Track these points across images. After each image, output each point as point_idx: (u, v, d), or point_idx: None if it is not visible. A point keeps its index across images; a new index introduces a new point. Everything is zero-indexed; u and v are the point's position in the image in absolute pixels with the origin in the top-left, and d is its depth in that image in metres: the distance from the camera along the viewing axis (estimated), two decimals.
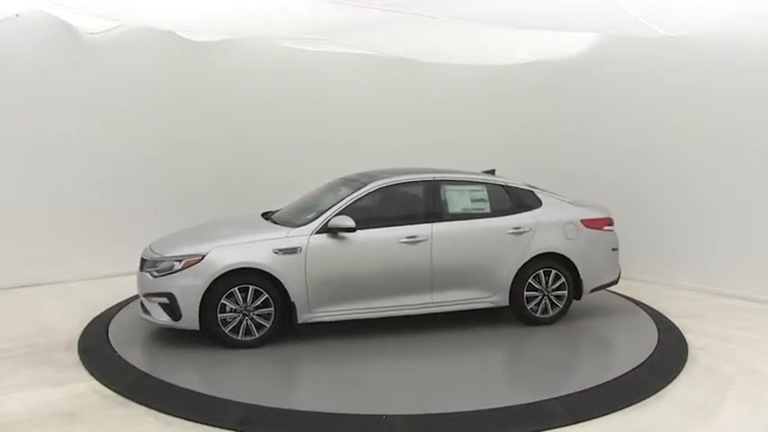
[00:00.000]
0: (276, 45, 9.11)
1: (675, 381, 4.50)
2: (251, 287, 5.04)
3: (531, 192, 5.94)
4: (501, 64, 9.29)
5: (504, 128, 9.38)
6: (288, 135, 9.25)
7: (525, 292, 5.68)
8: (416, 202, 5.65)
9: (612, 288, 7.15)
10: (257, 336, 5.09)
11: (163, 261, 5.20)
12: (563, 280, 5.77)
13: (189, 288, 4.98)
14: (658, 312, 6.23)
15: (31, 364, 4.75)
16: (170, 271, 5.10)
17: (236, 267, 5.00)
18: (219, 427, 3.72)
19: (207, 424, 3.75)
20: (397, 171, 5.88)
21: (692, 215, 7.40)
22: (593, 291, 5.95)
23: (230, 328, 5.04)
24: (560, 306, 5.80)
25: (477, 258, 5.58)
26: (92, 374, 4.54)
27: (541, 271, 5.71)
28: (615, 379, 4.46)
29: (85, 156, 7.76)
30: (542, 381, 4.48)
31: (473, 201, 5.82)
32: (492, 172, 6.19)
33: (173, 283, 5.05)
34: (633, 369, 4.65)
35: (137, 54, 8.11)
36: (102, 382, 4.37)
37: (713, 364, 4.87)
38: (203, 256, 5.03)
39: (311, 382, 4.45)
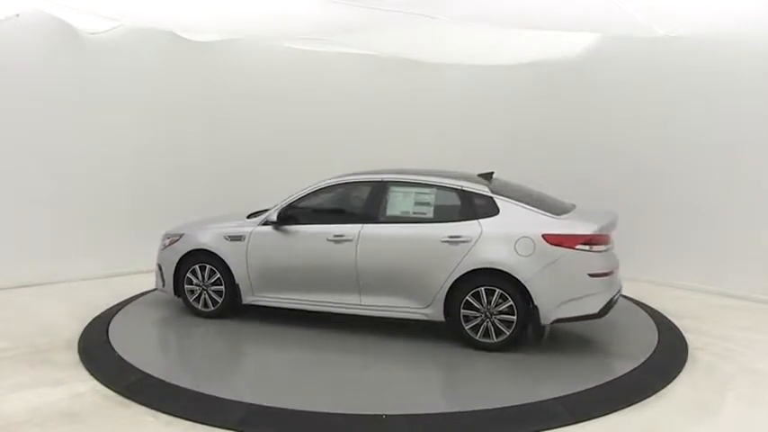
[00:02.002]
0: (276, 45, 9.12)
1: (675, 381, 4.49)
2: (207, 266, 5.88)
3: (490, 198, 5.16)
4: (501, 64, 9.29)
5: (504, 128, 9.38)
6: (288, 135, 9.26)
7: (462, 310, 5.04)
8: (358, 202, 5.65)
9: None
10: (212, 308, 5.93)
11: (165, 238, 6.24)
12: (511, 303, 4.92)
13: (168, 261, 6.08)
14: (658, 312, 6.23)
15: (31, 364, 4.75)
16: (163, 246, 6.20)
17: (195, 248, 5.94)
18: (219, 427, 3.72)
19: (207, 424, 3.75)
20: (379, 171, 5.76)
21: (692, 215, 7.40)
22: (559, 322, 4.95)
23: (193, 298, 5.99)
24: (507, 333, 4.97)
25: (404, 265, 5.18)
26: (92, 374, 4.54)
27: (483, 289, 4.97)
28: (615, 379, 4.47)
29: (85, 155, 7.77)
30: (542, 381, 4.48)
31: (417, 204, 5.39)
32: (489, 175, 5.67)
33: (162, 256, 6.20)
34: (633, 369, 4.65)
35: (137, 54, 8.12)
36: (102, 382, 4.37)
37: (713, 364, 4.87)
38: (180, 237, 6.05)
39: (311, 382, 4.45)
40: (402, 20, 6.83)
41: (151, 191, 8.25)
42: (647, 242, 7.79)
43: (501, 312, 4.94)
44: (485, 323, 4.99)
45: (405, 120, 9.84)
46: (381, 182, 5.54)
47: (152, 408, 3.96)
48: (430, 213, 5.32)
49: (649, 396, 4.19)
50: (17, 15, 7.08)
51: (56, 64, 7.54)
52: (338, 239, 5.40)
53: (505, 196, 5.19)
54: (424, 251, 5.13)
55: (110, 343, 5.16)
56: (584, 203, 8.44)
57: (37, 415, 3.86)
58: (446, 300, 5.08)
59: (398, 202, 5.43)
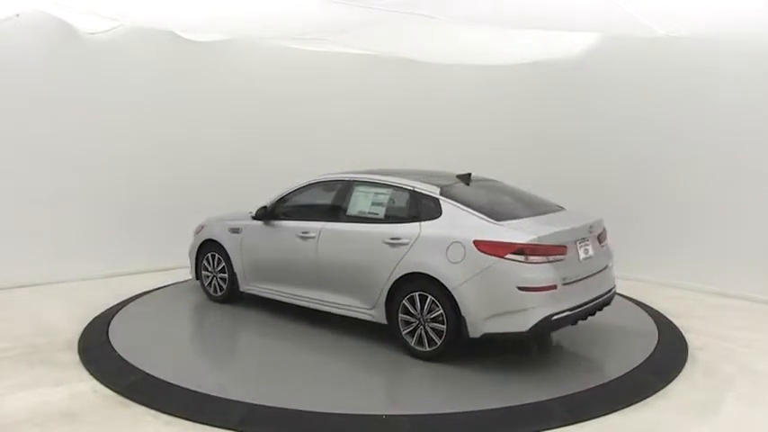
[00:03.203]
0: (276, 45, 9.11)
1: (675, 381, 4.50)
2: (216, 255, 6.48)
3: (436, 200, 4.95)
4: (501, 64, 9.29)
5: (504, 128, 9.38)
6: (288, 135, 9.26)
7: (400, 314, 4.90)
8: (327, 200, 5.76)
9: None
10: (219, 294, 6.52)
11: (197, 228, 6.87)
12: (441, 311, 4.68)
13: (192, 249, 6.81)
14: (658, 312, 6.23)
15: (31, 364, 4.75)
16: (194, 236, 6.85)
17: (208, 238, 6.58)
18: (219, 427, 3.72)
19: (207, 424, 3.75)
20: (354, 171, 5.79)
21: (692, 215, 7.40)
22: (488, 336, 4.54)
23: (207, 283, 6.65)
24: (438, 343, 4.72)
25: (352, 264, 5.22)
26: (92, 374, 4.54)
27: (417, 294, 4.79)
28: (615, 379, 4.47)
29: (85, 155, 7.76)
30: (542, 381, 4.48)
31: (373, 204, 5.36)
32: (468, 176, 5.47)
33: (191, 245, 6.86)
34: (633, 369, 4.65)
35: (137, 54, 8.11)
36: (102, 382, 4.37)
37: (713, 364, 4.87)
38: (202, 228, 6.73)
39: (312, 382, 4.45)
40: (402, 20, 6.83)
41: (151, 191, 8.24)
42: (647, 242, 7.80)
43: (434, 320, 4.71)
44: (419, 330, 4.81)
45: (405, 119, 9.84)
46: (347, 181, 5.62)
47: (152, 408, 3.96)
48: (382, 214, 5.26)
49: (649, 396, 4.19)
50: (17, 15, 7.08)
51: (56, 64, 7.54)
52: (304, 236, 5.60)
53: (453, 198, 4.94)
54: (369, 251, 5.09)
55: (110, 343, 5.16)
56: (583, 203, 8.46)
57: (37, 415, 3.86)
58: (387, 302, 5.00)
59: (358, 201, 5.45)
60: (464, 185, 5.34)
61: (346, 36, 8.37)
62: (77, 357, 4.90)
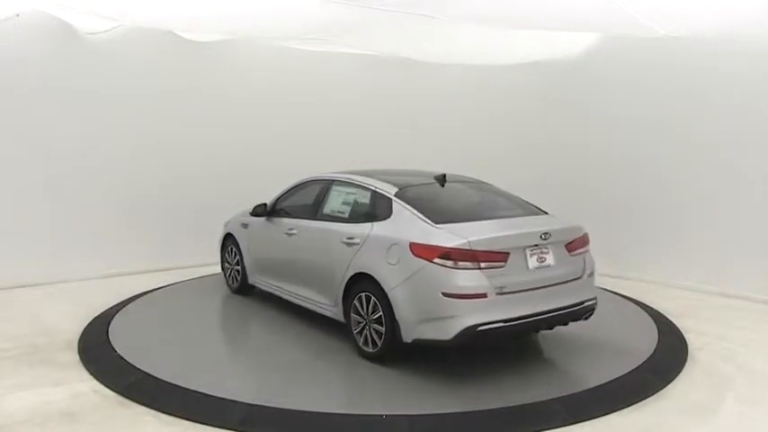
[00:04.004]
0: (276, 45, 9.11)
1: (675, 381, 4.49)
2: (233, 249, 6.85)
3: (390, 200, 4.90)
4: (501, 64, 9.29)
5: (504, 128, 9.38)
6: (288, 135, 9.25)
7: (352, 314, 4.91)
8: (312, 199, 5.86)
9: (612, 288, 7.19)
10: (235, 285, 6.88)
11: None
12: (380, 313, 4.60)
13: (219, 242, 7.20)
14: (658, 312, 6.23)
15: (31, 364, 4.75)
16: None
17: (227, 232, 7.02)
18: (219, 427, 3.72)
19: (207, 424, 3.75)
20: (343, 172, 5.83)
21: (692, 215, 7.40)
22: (419, 342, 4.41)
23: (227, 275, 7.07)
24: (378, 344, 4.66)
25: (318, 261, 5.35)
26: (92, 374, 4.54)
27: (364, 294, 4.77)
28: (615, 379, 4.46)
29: (85, 155, 7.77)
30: (542, 381, 4.48)
31: (342, 204, 5.44)
32: (443, 177, 5.26)
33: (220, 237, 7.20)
34: (633, 369, 4.64)
35: (137, 54, 8.11)
36: (102, 382, 4.37)
37: (713, 364, 4.87)
38: (227, 223, 7.09)
39: (312, 382, 4.45)
40: (402, 20, 6.83)
41: (151, 191, 8.24)
42: (647, 242, 7.80)
43: (376, 322, 4.65)
44: (365, 331, 4.79)
45: (405, 119, 9.84)
46: (328, 181, 5.73)
47: (152, 408, 3.96)
48: (347, 213, 5.31)
49: (649, 396, 4.19)
50: (17, 15, 7.08)
51: (56, 64, 7.53)
52: (289, 233, 5.82)
53: (405, 199, 4.85)
54: (331, 250, 5.15)
55: (110, 343, 5.16)
56: (583, 203, 8.49)
57: (37, 415, 3.86)
58: (344, 301, 5.03)
59: (332, 201, 5.55)
60: (428, 186, 5.23)
61: (346, 36, 8.38)
62: (77, 357, 4.90)
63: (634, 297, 6.79)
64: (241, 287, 6.76)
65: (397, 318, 4.47)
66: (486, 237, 4.36)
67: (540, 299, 4.47)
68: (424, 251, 4.35)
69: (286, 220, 5.96)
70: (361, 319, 4.81)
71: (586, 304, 4.79)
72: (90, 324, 5.71)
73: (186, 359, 4.92)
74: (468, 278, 4.22)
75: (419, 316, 4.37)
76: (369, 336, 4.76)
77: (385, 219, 4.85)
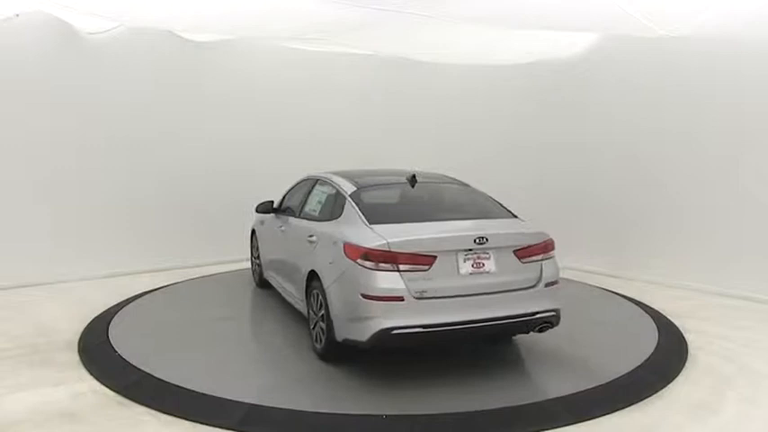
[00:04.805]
0: (276, 45, 9.11)
1: (675, 381, 4.49)
2: (257, 244, 7.19)
3: (344, 199, 4.93)
4: (501, 64, 9.29)
5: (504, 127, 9.38)
6: (288, 135, 9.25)
7: (309, 310, 4.98)
8: (300, 197, 6.02)
9: (612, 288, 7.20)
10: (257, 279, 7.23)
11: None
12: (323, 311, 4.62)
13: (249, 239, 7.49)
14: (658, 312, 6.23)
15: (31, 364, 4.75)
16: None
17: (252, 228, 7.35)
18: (219, 427, 3.71)
19: (207, 424, 3.74)
20: (335, 172, 5.88)
21: (692, 215, 7.40)
22: (347, 342, 4.38)
23: (252, 269, 7.45)
24: (323, 342, 4.67)
25: (293, 258, 5.53)
26: (92, 374, 4.54)
27: (315, 291, 4.80)
28: (615, 379, 4.46)
29: (85, 155, 7.76)
30: (542, 381, 4.48)
31: (316, 202, 5.54)
32: (413, 177, 5.15)
33: None
34: (633, 369, 4.64)
35: (136, 54, 8.11)
36: (102, 383, 4.37)
37: (713, 364, 4.86)
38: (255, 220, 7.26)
39: (311, 382, 4.45)
40: (402, 20, 6.83)
41: (151, 191, 8.24)
42: (647, 242, 7.80)
43: (322, 319, 4.66)
44: (316, 328, 4.81)
45: (405, 119, 9.84)
46: (314, 180, 5.87)
47: (152, 408, 3.96)
48: (317, 211, 5.41)
49: (649, 396, 4.19)
50: (17, 15, 7.08)
51: (56, 64, 7.53)
52: (280, 229, 6.08)
53: (356, 199, 4.85)
54: (300, 247, 5.29)
55: (110, 343, 5.16)
56: (583, 203, 8.49)
57: (37, 415, 3.86)
58: (306, 297, 5.09)
59: (311, 199, 5.71)
60: (390, 187, 5.31)
61: (347, 36, 8.37)
62: (77, 357, 4.90)
63: (634, 297, 6.79)
64: (260, 281, 7.10)
65: (331, 316, 4.49)
66: (407, 239, 4.24)
67: (475, 307, 4.25)
68: (351, 251, 4.34)
69: (282, 218, 6.19)
70: (315, 316, 4.87)
71: (539, 316, 4.44)
72: (90, 324, 5.71)
73: (186, 359, 4.92)
74: (384, 280, 4.13)
75: (346, 315, 4.36)
76: (317, 333, 4.80)
77: (338, 217, 4.89)
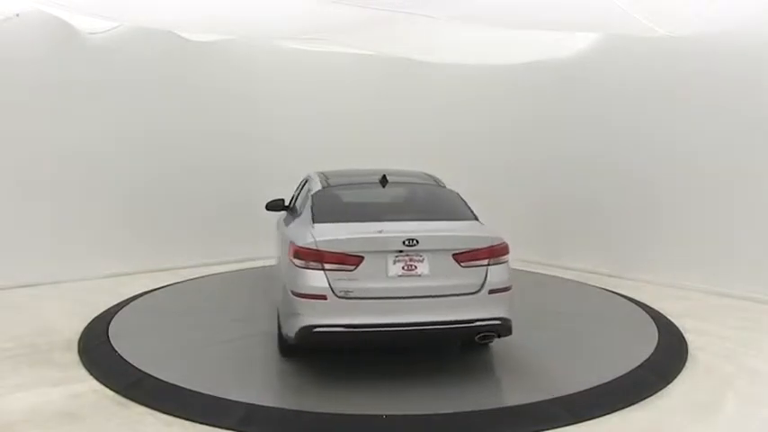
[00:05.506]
0: (276, 45, 9.12)
1: (675, 381, 4.49)
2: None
3: (309, 198, 4.99)
4: (501, 64, 9.29)
5: (504, 127, 9.37)
6: (288, 134, 9.26)
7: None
8: (297, 196, 5.99)
9: (612, 288, 7.19)
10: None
11: None
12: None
13: None
14: (658, 312, 6.22)
15: (31, 364, 4.75)
16: None
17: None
18: (219, 427, 3.71)
19: (207, 424, 3.74)
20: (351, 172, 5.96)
21: (692, 215, 7.39)
22: (288, 339, 4.42)
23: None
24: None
25: (279, 256, 5.39)
26: (92, 374, 4.54)
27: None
28: (615, 379, 4.45)
29: (85, 155, 7.77)
30: (542, 381, 4.48)
31: (301, 201, 5.54)
32: (383, 177, 5.06)
33: None
34: (633, 369, 4.64)
35: (136, 54, 8.11)
36: (101, 382, 4.37)
37: (713, 364, 4.86)
38: None
39: (312, 382, 4.45)
40: (401, 20, 6.83)
41: (151, 191, 8.24)
42: (647, 242, 7.79)
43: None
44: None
45: (405, 119, 9.83)
46: (305, 179, 5.84)
47: (152, 408, 3.96)
48: (300, 210, 5.31)
49: (649, 396, 4.19)
50: (17, 15, 7.08)
51: (56, 64, 7.53)
52: (278, 227, 5.94)
53: (316, 198, 4.89)
54: (282, 246, 5.16)
55: (110, 343, 5.16)
56: (583, 203, 8.48)
57: (37, 415, 3.86)
58: None
59: (299, 198, 5.69)
60: (356, 187, 5.37)
61: (347, 36, 8.37)
62: (77, 357, 4.90)
63: (634, 297, 6.78)
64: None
65: (279, 312, 4.69)
66: (334, 238, 4.23)
67: (404, 310, 4.15)
68: (289, 249, 4.42)
69: (288, 216, 6.12)
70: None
71: (480, 323, 4.22)
72: (90, 324, 5.71)
73: (186, 359, 4.92)
74: (309, 278, 4.15)
75: (283, 312, 4.54)
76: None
77: (299, 216, 5.02)
